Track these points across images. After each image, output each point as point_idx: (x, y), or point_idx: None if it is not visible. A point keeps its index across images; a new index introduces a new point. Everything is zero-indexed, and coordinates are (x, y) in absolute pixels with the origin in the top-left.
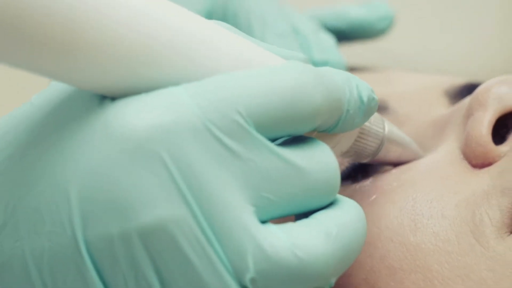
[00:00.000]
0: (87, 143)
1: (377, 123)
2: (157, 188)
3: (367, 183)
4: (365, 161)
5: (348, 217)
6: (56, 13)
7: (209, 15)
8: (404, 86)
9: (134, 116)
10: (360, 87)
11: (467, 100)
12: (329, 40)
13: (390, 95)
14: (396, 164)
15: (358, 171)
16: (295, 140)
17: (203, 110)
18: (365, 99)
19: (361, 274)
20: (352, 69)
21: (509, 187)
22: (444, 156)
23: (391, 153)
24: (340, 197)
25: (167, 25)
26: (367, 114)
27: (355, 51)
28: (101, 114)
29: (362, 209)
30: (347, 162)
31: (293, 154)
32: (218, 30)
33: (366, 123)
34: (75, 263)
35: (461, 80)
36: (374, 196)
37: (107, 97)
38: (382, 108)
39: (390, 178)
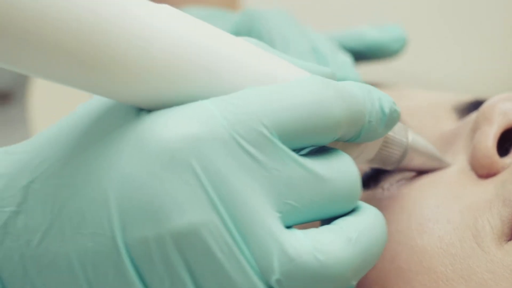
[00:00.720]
0: (125, 152)
1: (400, 133)
2: (188, 195)
3: (379, 190)
4: (390, 168)
5: (368, 223)
6: (98, 35)
7: (236, 35)
8: (416, 102)
9: (167, 127)
10: (382, 99)
11: (474, 115)
12: (346, 59)
13: (403, 110)
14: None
15: (370, 179)
16: (319, 151)
17: (231, 122)
18: (386, 110)
19: (372, 275)
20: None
21: (510, 198)
22: (452, 166)
23: (415, 160)
24: (361, 203)
25: (197, 44)
26: (389, 125)
27: (370, 70)
28: (137, 126)
29: None
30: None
31: (315, 164)
32: (244, 46)
33: (390, 133)
34: (115, 263)
35: (468, 96)
36: (385, 202)
37: (143, 109)
38: None
39: (400, 186)
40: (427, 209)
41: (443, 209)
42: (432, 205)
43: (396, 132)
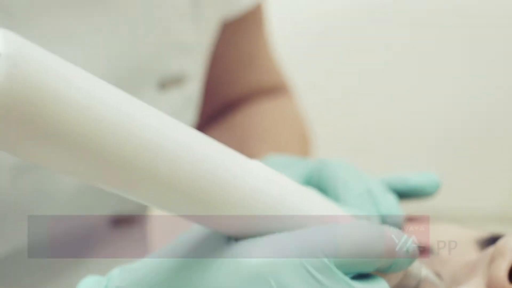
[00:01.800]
0: (218, 272)
1: (416, 268)
2: None
3: None
4: None
5: None
6: (210, 191)
7: (309, 178)
8: (448, 236)
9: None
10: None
11: (491, 249)
12: (392, 199)
13: (436, 242)
14: None
15: None
16: (362, 276)
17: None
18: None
19: None
20: (409, 219)
21: None
22: None
23: None
24: None
25: (277, 197)
26: (411, 261)
27: (411, 206)
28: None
29: None
30: None
31: (361, 285)
32: (310, 195)
33: (409, 267)
34: None
35: (487, 233)
36: None
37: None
38: (429, 251)
39: None
40: None
41: None
42: None
43: (414, 267)
